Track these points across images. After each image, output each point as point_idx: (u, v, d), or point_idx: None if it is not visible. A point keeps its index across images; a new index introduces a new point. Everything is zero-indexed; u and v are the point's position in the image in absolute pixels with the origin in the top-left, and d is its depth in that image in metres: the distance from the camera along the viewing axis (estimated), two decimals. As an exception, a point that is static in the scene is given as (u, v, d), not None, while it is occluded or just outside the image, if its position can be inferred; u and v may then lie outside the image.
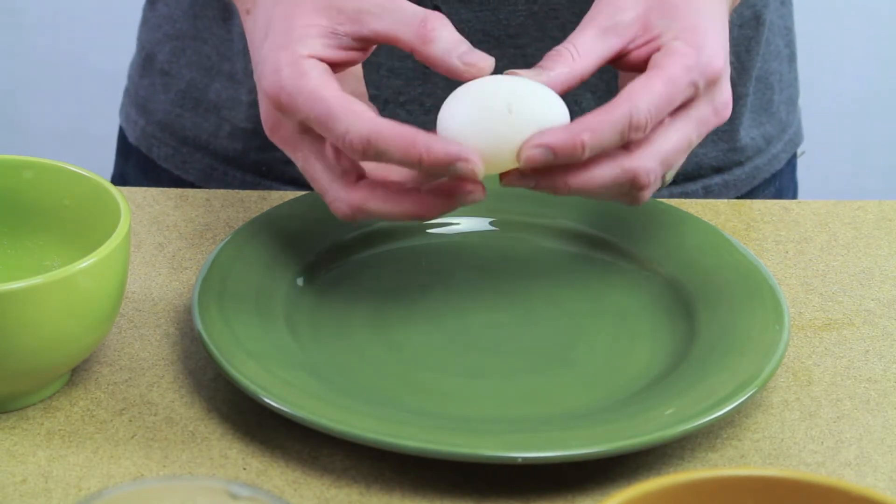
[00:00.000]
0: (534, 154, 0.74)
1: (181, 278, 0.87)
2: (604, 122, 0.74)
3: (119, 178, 1.10)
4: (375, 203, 0.77)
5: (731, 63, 1.01)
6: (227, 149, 1.02)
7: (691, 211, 0.93)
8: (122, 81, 1.10)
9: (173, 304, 0.84)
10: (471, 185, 0.75)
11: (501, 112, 0.74)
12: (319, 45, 0.77)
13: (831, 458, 0.75)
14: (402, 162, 0.74)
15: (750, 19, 1.01)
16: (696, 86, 0.77)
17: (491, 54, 0.94)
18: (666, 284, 0.85)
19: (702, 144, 1.01)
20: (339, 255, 0.86)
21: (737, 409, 0.74)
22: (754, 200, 0.97)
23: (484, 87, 0.76)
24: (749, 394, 0.75)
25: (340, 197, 0.77)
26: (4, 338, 0.72)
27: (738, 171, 1.04)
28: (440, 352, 0.80)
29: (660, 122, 0.77)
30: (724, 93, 0.79)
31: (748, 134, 1.04)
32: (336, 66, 0.78)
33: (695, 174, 1.02)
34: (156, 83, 1.05)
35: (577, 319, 0.83)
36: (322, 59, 0.77)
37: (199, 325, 0.78)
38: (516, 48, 0.95)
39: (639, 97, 0.75)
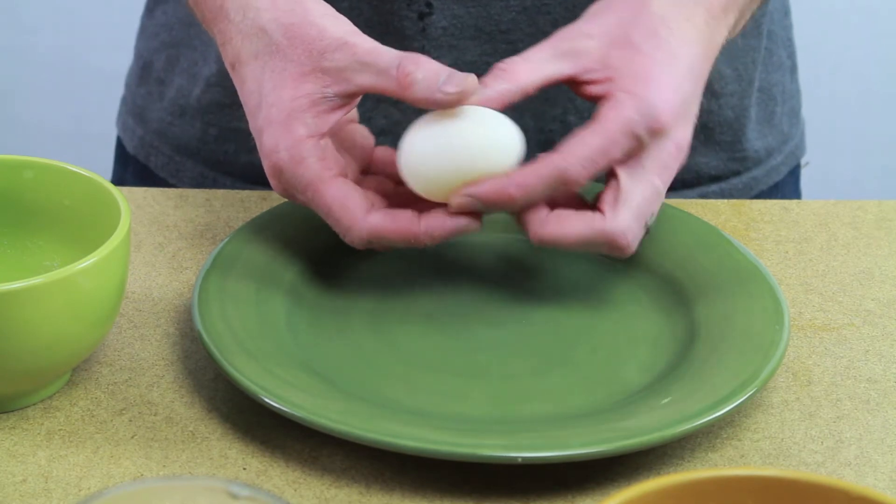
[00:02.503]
0: (462, 202, 0.78)
1: (181, 278, 0.87)
2: (534, 176, 0.78)
3: (118, 186, 1.10)
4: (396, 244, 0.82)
5: (737, 74, 1.01)
6: (216, 152, 1.02)
7: (691, 211, 0.93)
8: (122, 81, 1.10)
9: (173, 304, 0.84)
10: (473, 227, 0.80)
11: (455, 152, 0.78)
12: (312, 119, 0.79)
13: (831, 458, 0.75)
14: (406, 246, 0.80)
15: (752, 29, 1.01)
16: (637, 137, 0.78)
17: (482, 50, 0.95)
18: (666, 284, 0.85)
19: (704, 154, 1.01)
20: (339, 255, 0.86)
21: (737, 409, 0.74)
22: (754, 200, 0.97)
23: (438, 126, 0.79)
24: (749, 394, 0.75)
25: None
26: (4, 338, 0.72)
27: (734, 181, 1.04)
28: (440, 352, 0.80)
29: (615, 179, 0.79)
30: (678, 136, 0.80)
31: (752, 146, 1.04)
32: (331, 130, 0.80)
33: (693, 182, 1.02)
34: (152, 92, 1.05)
35: (577, 319, 0.83)
36: (319, 136, 0.79)
37: (199, 325, 0.78)
38: (508, 43, 0.95)
39: (571, 152, 0.78)
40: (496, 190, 0.78)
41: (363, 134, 0.84)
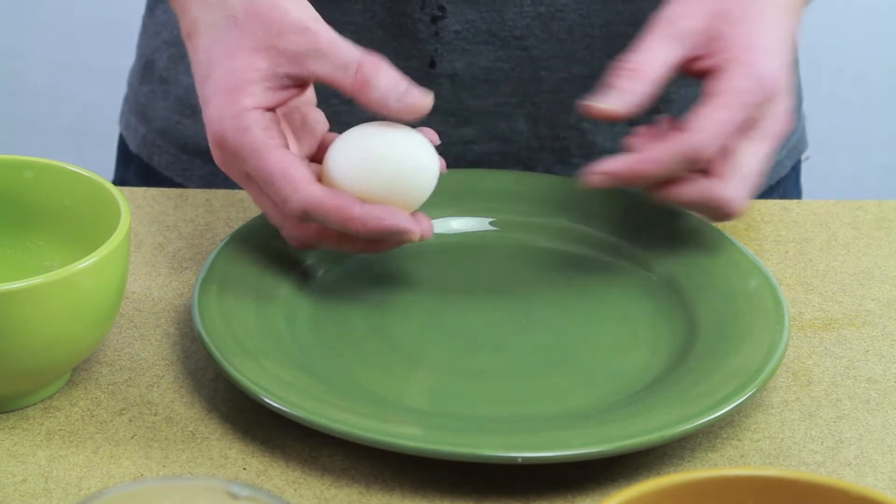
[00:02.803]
0: (596, 179, 0.81)
1: (181, 278, 0.87)
2: (667, 154, 0.80)
3: (120, 185, 1.09)
4: (327, 243, 0.81)
5: None
6: None
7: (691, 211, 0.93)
8: (122, 81, 1.10)
9: (173, 304, 0.84)
10: (409, 235, 0.79)
11: (377, 163, 0.79)
12: (261, 92, 0.79)
13: (831, 458, 0.75)
14: (340, 230, 0.78)
15: None
16: (753, 106, 0.81)
17: (496, 55, 0.95)
18: (666, 284, 0.85)
19: None
20: (338, 255, 0.86)
21: (737, 409, 0.74)
22: (754, 200, 0.97)
23: (362, 139, 0.79)
24: (749, 394, 0.75)
25: (293, 235, 0.81)
26: (4, 338, 0.72)
27: None
28: (440, 352, 0.80)
29: (731, 148, 0.81)
30: (785, 103, 0.83)
31: None
32: (278, 106, 0.80)
33: None
34: (155, 90, 1.05)
35: (577, 319, 0.83)
36: (265, 108, 0.79)
37: (199, 325, 0.78)
38: (522, 49, 0.95)
39: (700, 128, 0.80)
40: (629, 166, 0.80)
41: (317, 118, 0.84)
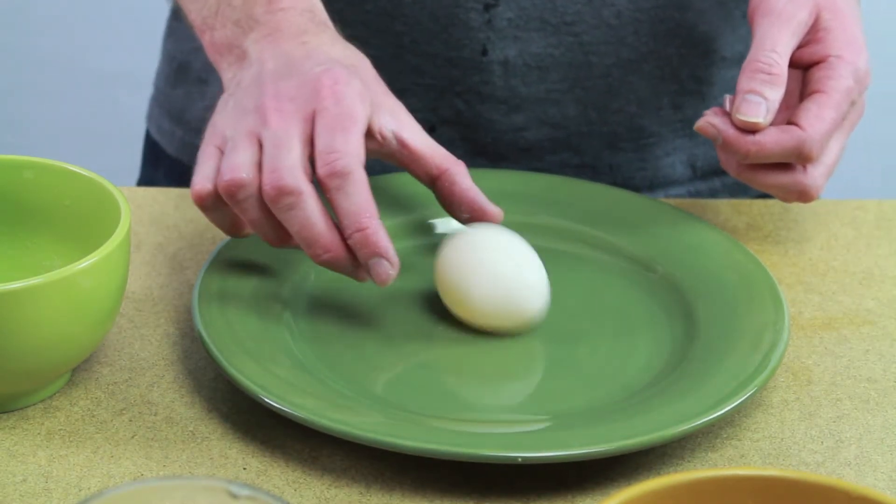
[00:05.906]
0: (706, 126, 0.83)
1: (181, 278, 0.87)
2: (775, 143, 0.82)
3: (148, 186, 1.09)
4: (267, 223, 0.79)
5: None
6: None
7: (691, 211, 0.93)
8: (122, 81, 1.10)
9: (173, 304, 0.84)
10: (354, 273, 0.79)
11: (487, 284, 0.79)
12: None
13: (831, 458, 0.75)
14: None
15: None
16: (853, 103, 0.85)
17: (547, 42, 0.96)
18: (666, 284, 0.85)
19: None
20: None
21: (737, 409, 0.74)
22: (754, 201, 0.97)
23: (478, 249, 0.80)
24: (749, 394, 0.75)
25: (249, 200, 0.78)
26: (4, 338, 0.72)
27: None
28: (440, 352, 0.80)
29: None
30: (864, 97, 0.87)
31: None
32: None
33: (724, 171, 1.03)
34: (192, 92, 1.05)
35: (576, 319, 0.83)
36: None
37: (199, 325, 0.78)
38: (572, 35, 0.96)
39: (815, 129, 0.83)
40: (737, 138, 0.82)
41: None
